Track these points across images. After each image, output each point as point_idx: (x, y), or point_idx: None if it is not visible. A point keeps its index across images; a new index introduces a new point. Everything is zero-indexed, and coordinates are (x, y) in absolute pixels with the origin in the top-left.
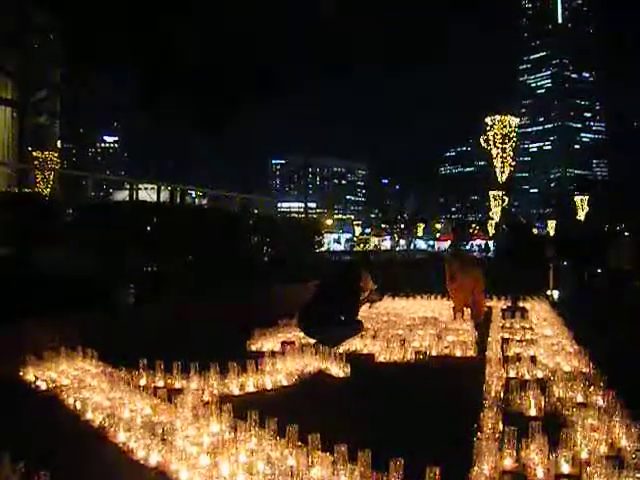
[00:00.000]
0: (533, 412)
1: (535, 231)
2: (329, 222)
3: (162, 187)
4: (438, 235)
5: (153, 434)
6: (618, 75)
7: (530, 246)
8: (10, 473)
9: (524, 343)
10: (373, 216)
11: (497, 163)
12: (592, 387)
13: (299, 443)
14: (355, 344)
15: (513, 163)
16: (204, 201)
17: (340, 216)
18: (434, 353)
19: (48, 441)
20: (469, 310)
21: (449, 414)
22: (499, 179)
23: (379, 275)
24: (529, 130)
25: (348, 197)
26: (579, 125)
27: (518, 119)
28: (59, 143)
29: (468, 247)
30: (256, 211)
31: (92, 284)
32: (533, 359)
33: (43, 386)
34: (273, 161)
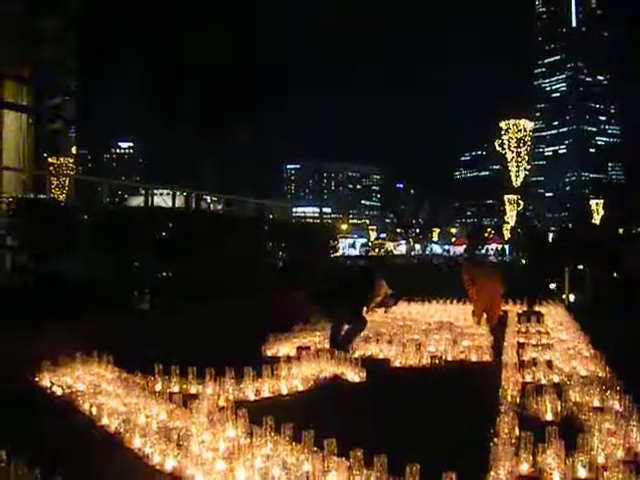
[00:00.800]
0: (549, 417)
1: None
2: (344, 227)
3: (177, 193)
4: (453, 240)
5: (169, 439)
6: (633, 78)
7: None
8: (26, 479)
9: (540, 347)
10: (388, 221)
11: (512, 167)
12: (609, 391)
13: (315, 448)
14: (370, 349)
15: (528, 167)
16: (219, 206)
17: (355, 221)
18: (450, 358)
19: (63, 447)
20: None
21: (465, 419)
22: (514, 183)
23: (394, 280)
24: (544, 134)
25: (363, 202)
26: (594, 128)
27: (533, 123)
28: (74, 149)
29: (483, 251)
30: (271, 216)
31: (107, 290)
32: (549, 363)
33: (59, 391)
34: (287, 166)
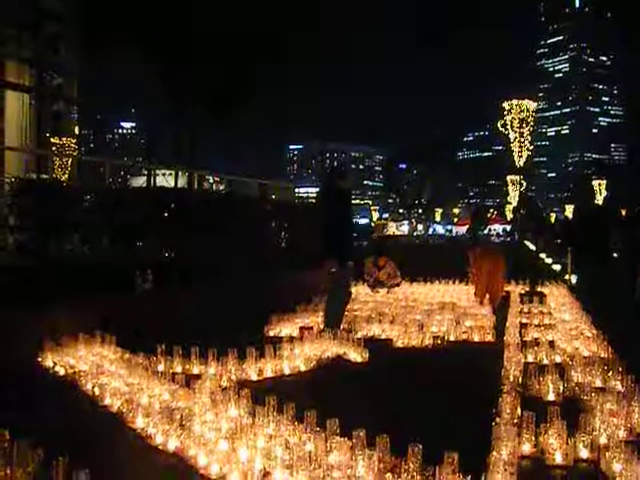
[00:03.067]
0: (551, 397)
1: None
2: None
3: (180, 173)
4: (456, 220)
5: (171, 420)
6: (636, 58)
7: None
8: (29, 459)
9: (542, 328)
10: (391, 201)
11: (515, 148)
12: (611, 372)
13: (317, 428)
14: (373, 329)
15: (531, 147)
16: (221, 187)
17: (358, 201)
18: (452, 338)
19: (66, 427)
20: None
21: (467, 399)
22: (517, 163)
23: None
24: (547, 114)
25: (366, 182)
26: (597, 109)
27: (536, 103)
28: (77, 129)
29: (486, 232)
30: (274, 197)
31: (110, 270)
32: (551, 344)
33: (62, 371)
34: (290, 146)
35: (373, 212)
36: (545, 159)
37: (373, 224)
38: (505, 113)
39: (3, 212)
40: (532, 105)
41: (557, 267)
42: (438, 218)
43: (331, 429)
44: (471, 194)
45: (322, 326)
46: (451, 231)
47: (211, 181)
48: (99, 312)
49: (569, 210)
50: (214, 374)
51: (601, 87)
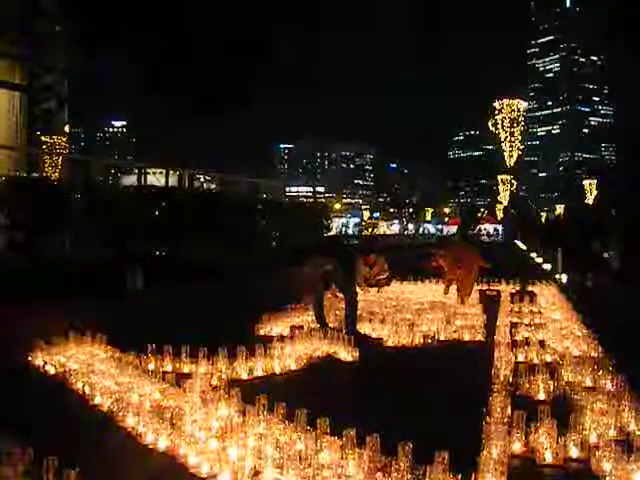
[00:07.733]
0: (542, 396)
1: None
2: (337, 206)
3: (171, 171)
4: (447, 219)
5: (161, 419)
6: (627, 58)
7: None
8: (19, 458)
9: (533, 327)
10: (381, 200)
11: (505, 147)
12: (601, 371)
13: (308, 427)
14: (363, 328)
15: (521, 147)
16: (212, 185)
17: (349, 200)
18: (442, 337)
19: (57, 426)
20: (476, 294)
21: (458, 398)
22: (507, 163)
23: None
24: (537, 114)
25: (356, 181)
26: (588, 109)
27: (526, 103)
28: (67, 128)
29: (476, 231)
30: (264, 196)
31: (101, 268)
32: (542, 343)
33: (52, 370)
34: (281, 145)
35: (364, 211)
36: (536, 159)
37: (364, 223)
38: (496, 112)
39: None
40: (523, 105)
41: (547, 266)
42: (429, 217)
43: (321, 428)
44: (462, 193)
45: (319, 326)
46: (442, 230)
47: (202, 180)
48: (90, 310)
49: (559, 210)
50: (204, 373)
51: (591, 87)
